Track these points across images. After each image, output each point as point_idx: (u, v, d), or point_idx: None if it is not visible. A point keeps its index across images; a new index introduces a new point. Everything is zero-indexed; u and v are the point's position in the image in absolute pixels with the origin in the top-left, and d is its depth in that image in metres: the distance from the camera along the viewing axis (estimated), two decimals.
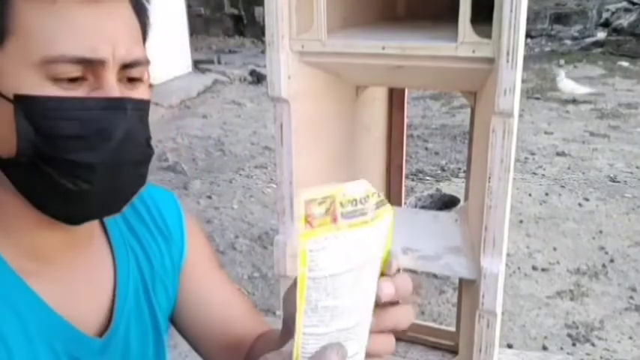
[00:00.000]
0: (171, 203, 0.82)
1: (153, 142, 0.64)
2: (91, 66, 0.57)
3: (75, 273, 0.68)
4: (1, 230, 0.61)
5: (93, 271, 0.70)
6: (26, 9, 0.55)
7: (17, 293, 0.61)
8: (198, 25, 9.24)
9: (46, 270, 0.64)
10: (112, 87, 0.58)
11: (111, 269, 0.73)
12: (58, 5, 0.55)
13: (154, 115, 5.54)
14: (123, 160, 0.59)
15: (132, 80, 0.61)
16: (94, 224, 0.69)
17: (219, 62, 7.74)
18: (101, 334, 0.69)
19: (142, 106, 0.62)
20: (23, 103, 0.55)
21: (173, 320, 0.84)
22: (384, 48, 1.17)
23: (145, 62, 0.62)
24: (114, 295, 0.72)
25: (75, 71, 0.56)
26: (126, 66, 0.60)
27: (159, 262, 0.78)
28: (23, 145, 0.56)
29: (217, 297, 0.82)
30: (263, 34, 1.20)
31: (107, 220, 0.73)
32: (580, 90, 5.31)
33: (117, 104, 0.58)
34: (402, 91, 1.76)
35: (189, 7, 7.72)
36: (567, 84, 5.22)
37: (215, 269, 0.85)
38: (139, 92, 0.62)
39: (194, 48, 7.64)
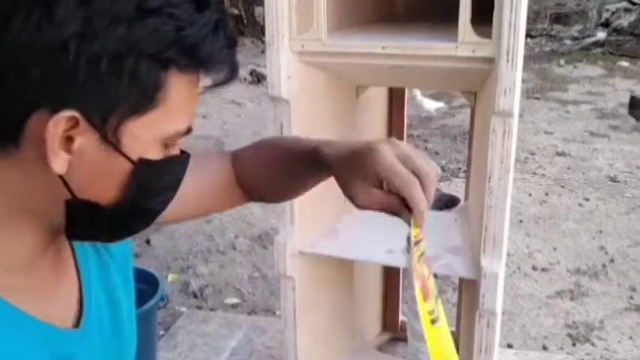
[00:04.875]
0: None
1: None
2: (188, 132, 0.63)
3: (45, 274, 0.67)
4: None
5: (59, 266, 0.70)
6: (175, 87, 0.58)
7: None
8: None
9: (20, 281, 0.63)
10: (178, 147, 0.65)
11: (71, 258, 0.72)
12: (195, 88, 0.61)
13: None
14: (170, 202, 0.67)
15: None
16: None
17: None
18: (77, 324, 0.69)
19: None
20: (144, 167, 0.59)
21: None
22: (384, 48, 1.17)
23: None
24: (80, 282, 0.72)
25: (180, 138, 0.62)
26: None
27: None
28: (122, 197, 0.60)
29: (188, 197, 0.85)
30: (263, 34, 1.20)
31: None
32: (435, 105, 5.58)
33: (187, 161, 0.66)
34: (402, 91, 1.76)
35: None
36: (425, 102, 5.43)
37: None
38: None
39: None
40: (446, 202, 3.13)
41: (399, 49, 1.16)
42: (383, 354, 1.86)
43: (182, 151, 0.66)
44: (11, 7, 0.51)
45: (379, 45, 1.18)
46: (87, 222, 0.62)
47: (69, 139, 0.55)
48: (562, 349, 2.37)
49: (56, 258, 0.69)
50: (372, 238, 1.37)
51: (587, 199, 3.76)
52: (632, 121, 5.26)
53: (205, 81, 0.62)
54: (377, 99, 1.71)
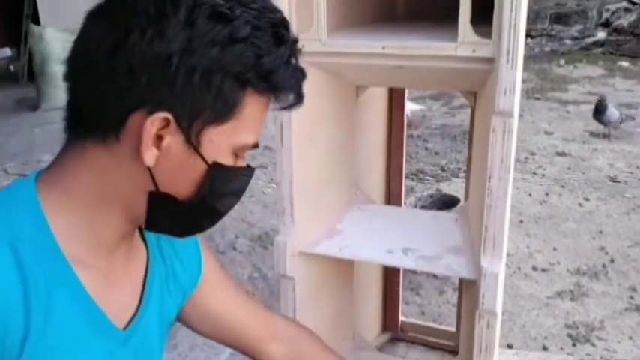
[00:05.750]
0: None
1: None
2: (255, 147, 0.73)
3: (118, 266, 0.75)
4: (69, 221, 0.68)
5: (130, 263, 0.78)
6: (251, 103, 0.69)
7: (63, 278, 0.67)
8: None
9: (95, 259, 0.71)
10: (245, 160, 0.75)
11: (144, 261, 0.81)
12: (266, 109, 0.72)
13: None
14: (233, 207, 0.77)
15: None
16: None
17: None
18: (127, 325, 0.76)
19: None
20: (216, 169, 0.70)
21: (183, 321, 0.95)
22: (384, 48, 1.17)
23: None
24: (143, 287, 0.80)
25: (247, 151, 0.73)
26: None
27: (175, 279, 0.87)
28: (196, 194, 0.70)
29: (228, 315, 0.95)
30: None
31: None
32: (413, 107, 5.59)
33: (252, 174, 0.76)
34: (402, 91, 1.76)
35: None
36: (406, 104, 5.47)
37: (226, 288, 0.96)
38: None
39: None
40: (446, 202, 3.13)
41: (399, 49, 1.16)
42: (383, 354, 1.86)
43: (247, 165, 0.76)
44: (130, 26, 0.63)
45: (379, 45, 1.18)
46: (165, 214, 0.71)
47: (159, 138, 0.66)
48: (562, 349, 2.37)
49: (128, 255, 0.78)
50: (373, 238, 1.37)
51: (587, 199, 3.76)
52: (633, 120, 5.25)
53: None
54: (377, 99, 1.71)
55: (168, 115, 0.65)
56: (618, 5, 8.79)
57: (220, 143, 0.69)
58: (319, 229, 1.38)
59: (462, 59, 1.10)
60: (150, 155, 0.66)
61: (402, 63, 1.17)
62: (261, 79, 0.67)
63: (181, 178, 0.69)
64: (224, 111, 0.67)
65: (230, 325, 0.94)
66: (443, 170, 4.34)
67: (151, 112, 0.64)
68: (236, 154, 0.71)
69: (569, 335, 2.45)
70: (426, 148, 4.79)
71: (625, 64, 7.55)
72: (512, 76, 1.04)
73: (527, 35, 8.45)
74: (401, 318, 2.00)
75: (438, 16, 1.33)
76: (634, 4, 8.48)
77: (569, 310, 2.63)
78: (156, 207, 0.70)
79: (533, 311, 2.63)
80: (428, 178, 4.20)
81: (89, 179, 0.69)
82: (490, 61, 1.08)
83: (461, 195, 3.10)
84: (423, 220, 1.48)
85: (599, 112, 4.80)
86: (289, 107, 0.74)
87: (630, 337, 2.44)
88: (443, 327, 2.05)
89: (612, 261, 3.02)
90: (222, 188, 0.72)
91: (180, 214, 0.72)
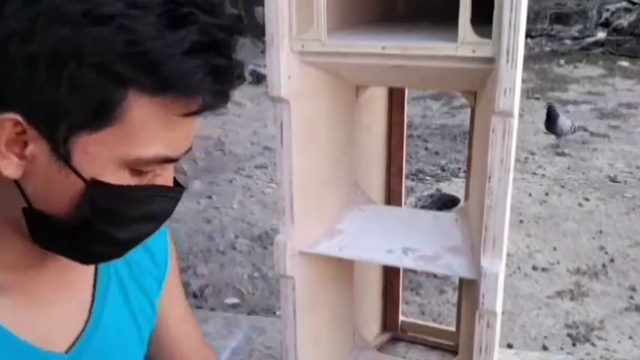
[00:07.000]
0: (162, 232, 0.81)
1: None
2: (167, 162, 0.58)
3: (41, 283, 0.65)
4: None
5: (65, 279, 0.68)
6: (140, 106, 0.53)
7: None
8: None
9: (5, 282, 0.61)
10: (170, 177, 0.61)
11: (91, 272, 0.71)
12: (168, 114, 0.55)
13: None
14: (151, 234, 0.63)
15: None
16: None
17: None
18: (72, 346, 0.67)
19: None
20: (96, 188, 0.55)
21: None
22: (384, 48, 1.17)
23: None
24: (93, 300, 0.70)
25: (153, 166, 0.58)
26: None
27: (142, 273, 0.79)
28: (75, 215, 0.57)
29: (176, 331, 0.85)
30: (263, 34, 1.20)
31: None
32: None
33: (176, 195, 0.62)
34: (402, 91, 1.76)
35: None
36: None
37: (182, 301, 0.88)
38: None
39: None
40: (446, 202, 3.13)
41: (399, 49, 1.16)
42: (383, 354, 1.86)
43: (177, 183, 0.62)
44: None
45: (379, 45, 1.18)
46: (47, 235, 0.59)
47: (24, 144, 0.53)
48: (562, 349, 2.37)
49: (60, 272, 0.67)
50: (373, 238, 1.37)
51: (587, 199, 3.76)
52: (633, 120, 5.25)
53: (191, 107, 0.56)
54: (377, 99, 1.71)
55: (17, 117, 0.51)
56: (618, 5, 8.78)
57: (100, 155, 0.54)
58: (319, 229, 1.38)
59: (462, 59, 1.10)
60: (8, 164, 0.53)
61: (402, 63, 1.17)
62: (143, 73, 0.51)
63: (54, 195, 0.56)
64: (93, 115, 0.52)
65: (165, 340, 0.85)
66: (443, 170, 4.33)
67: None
68: (135, 169, 0.56)
69: (569, 335, 2.45)
70: (426, 148, 4.79)
71: (625, 64, 7.54)
72: (512, 76, 1.04)
73: (527, 35, 8.44)
74: (401, 318, 2.00)
75: (438, 16, 1.32)
76: (634, 4, 8.47)
77: (569, 310, 2.63)
78: (35, 226, 0.58)
79: (533, 311, 2.63)
80: (428, 178, 4.20)
81: None
82: (490, 61, 1.08)
83: (461, 195, 3.10)
84: (423, 220, 1.48)
85: (550, 120, 4.51)
86: (201, 111, 0.57)
87: (630, 337, 2.44)
88: (443, 327, 2.05)
89: (612, 261, 3.02)
90: (118, 212, 0.57)
91: (66, 238, 0.58)
